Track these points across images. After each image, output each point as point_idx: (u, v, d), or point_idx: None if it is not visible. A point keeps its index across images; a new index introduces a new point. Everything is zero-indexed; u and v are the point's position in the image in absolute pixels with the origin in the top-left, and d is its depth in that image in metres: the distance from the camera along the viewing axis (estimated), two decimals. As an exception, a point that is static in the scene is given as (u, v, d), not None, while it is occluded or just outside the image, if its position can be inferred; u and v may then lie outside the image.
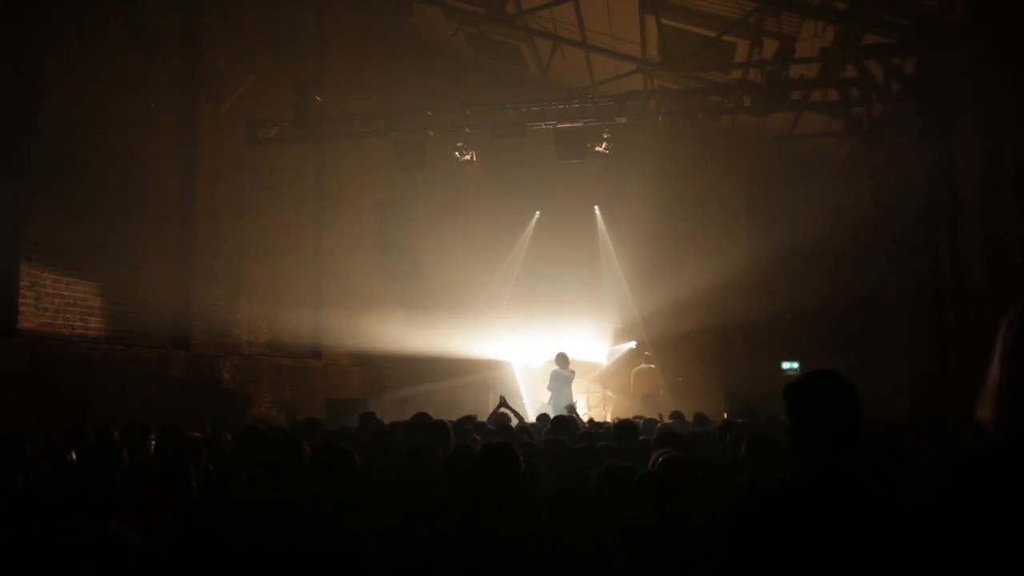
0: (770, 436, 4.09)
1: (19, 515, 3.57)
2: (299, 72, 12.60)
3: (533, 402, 14.30)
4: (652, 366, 14.64)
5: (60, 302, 8.28)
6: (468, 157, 12.35)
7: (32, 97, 8.00)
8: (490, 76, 15.35)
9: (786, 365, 13.79)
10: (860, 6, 9.12)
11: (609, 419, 12.18)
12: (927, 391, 10.17)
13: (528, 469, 3.42)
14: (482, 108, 11.75)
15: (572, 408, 10.57)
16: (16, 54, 7.90)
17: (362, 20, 14.77)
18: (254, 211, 11.95)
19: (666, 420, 8.41)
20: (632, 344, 15.82)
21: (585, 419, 9.77)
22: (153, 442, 5.39)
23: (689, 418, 8.33)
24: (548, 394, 12.71)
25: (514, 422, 8.37)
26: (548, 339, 14.98)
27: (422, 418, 5.95)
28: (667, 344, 15.33)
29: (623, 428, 5.95)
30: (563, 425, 6.74)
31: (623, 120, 11.31)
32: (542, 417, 8.42)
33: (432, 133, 11.90)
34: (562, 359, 12.64)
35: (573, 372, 12.78)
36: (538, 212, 16.57)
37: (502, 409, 8.89)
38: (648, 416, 9.08)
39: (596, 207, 16.26)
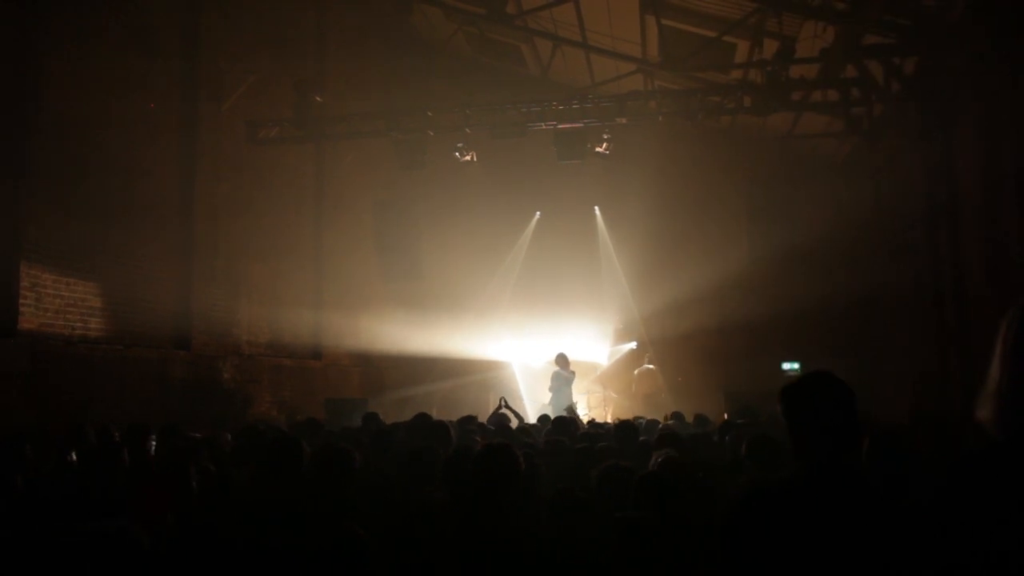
0: (770, 436, 4.08)
1: (19, 515, 3.57)
2: (299, 72, 12.60)
3: (533, 403, 14.30)
4: (653, 367, 14.68)
5: (60, 302, 8.28)
6: (468, 157, 12.34)
7: (32, 97, 7.99)
8: (490, 76, 15.36)
9: (786, 365, 13.79)
10: (860, 6, 9.12)
11: (610, 420, 12.19)
12: (927, 391, 10.17)
13: (528, 469, 3.42)
14: (482, 108, 11.75)
15: (572, 409, 10.57)
16: (16, 54, 7.90)
17: (362, 20, 14.77)
18: (254, 211, 11.95)
19: (666, 421, 8.40)
20: (633, 344, 15.83)
21: (585, 420, 9.77)
22: (153, 442, 5.40)
23: (689, 418, 8.33)
24: (549, 395, 12.72)
25: (514, 423, 8.38)
26: (548, 339, 14.98)
27: (423, 418, 5.96)
28: (667, 344, 15.33)
29: (623, 429, 5.96)
30: (563, 425, 6.75)
31: (623, 120, 11.31)
32: (543, 418, 8.43)
33: (432, 133, 11.90)
34: (562, 360, 12.64)
35: (574, 373, 12.78)
36: (538, 212, 16.58)
37: (503, 410, 8.89)
38: (650, 417, 9.08)
39: (596, 207, 16.26)
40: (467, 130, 11.82)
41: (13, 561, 2.80)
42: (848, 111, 10.81)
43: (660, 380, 14.59)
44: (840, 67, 10.18)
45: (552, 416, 8.17)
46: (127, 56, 9.33)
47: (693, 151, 14.44)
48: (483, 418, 8.18)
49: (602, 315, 16.00)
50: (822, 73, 10.51)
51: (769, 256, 12.11)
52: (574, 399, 12.53)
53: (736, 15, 10.44)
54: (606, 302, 15.95)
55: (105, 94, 8.88)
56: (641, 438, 5.89)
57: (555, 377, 12.60)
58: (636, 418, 8.79)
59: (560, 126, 11.47)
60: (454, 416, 7.30)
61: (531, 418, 10.23)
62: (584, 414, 12.88)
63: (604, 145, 11.66)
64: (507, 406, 9.15)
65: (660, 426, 7.18)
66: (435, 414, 6.80)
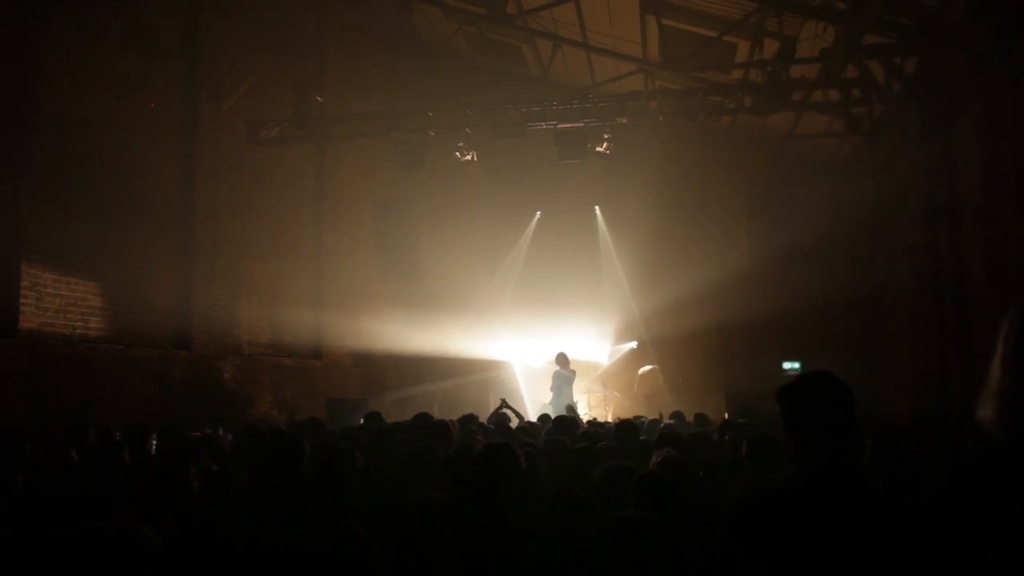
0: (770, 436, 4.08)
1: (19, 515, 3.57)
2: (299, 72, 12.60)
3: (534, 402, 14.30)
4: (655, 367, 14.70)
5: (60, 302, 8.29)
6: (468, 157, 12.34)
7: (32, 97, 8.00)
8: (490, 76, 15.35)
9: (787, 365, 13.79)
10: (861, 6, 9.12)
11: (610, 419, 12.19)
12: (927, 391, 10.16)
13: (528, 469, 3.42)
14: (482, 108, 11.75)
15: (572, 408, 10.57)
16: (16, 54, 7.90)
17: (362, 20, 14.77)
18: (254, 211, 11.95)
19: (667, 420, 8.40)
20: (633, 344, 15.83)
21: (585, 419, 9.77)
22: (154, 442, 5.40)
23: (690, 418, 8.33)
24: (549, 394, 12.73)
25: (515, 423, 8.37)
26: (548, 339, 14.98)
27: (424, 418, 5.95)
28: (668, 344, 15.33)
29: (624, 428, 5.95)
30: (564, 425, 6.74)
31: (624, 120, 11.31)
32: (543, 417, 8.43)
33: (432, 133, 11.90)
34: (562, 359, 12.65)
35: (574, 372, 12.79)
36: (539, 212, 16.57)
37: (503, 410, 8.89)
38: (651, 416, 9.09)
39: (597, 207, 16.26)
40: (467, 130, 11.82)
41: (13, 561, 2.80)
42: (849, 111, 10.81)
43: (661, 380, 14.60)
44: (841, 67, 10.18)
45: (553, 415, 8.17)
46: (127, 56, 9.33)
47: (694, 151, 14.43)
48: (483, 418, 8.17)
49: (602, 315, 15.99)
50: (823, 73, 10.50)
51: (769, 256, 12.11)
52: (575, 398, 12.53)
53: (736, 15, 10.44)
54: (606, 302, 15.95)
55: (105, 94, 8.87)
56: (641, 438, 5.89)
57: (556, 376, 12.61)
58: (636, 417, 8.79)
59: (560, 126, 11.47)
60: (454, 416, 7.30)
61: (532, 417, 10.22)
62: (584, 413, 12.89)
63: (604, 145, 11.66)
64: (507, 406, 9.14)
65: (660, 425, 7.19)
66: (436, 414, 6.80)
